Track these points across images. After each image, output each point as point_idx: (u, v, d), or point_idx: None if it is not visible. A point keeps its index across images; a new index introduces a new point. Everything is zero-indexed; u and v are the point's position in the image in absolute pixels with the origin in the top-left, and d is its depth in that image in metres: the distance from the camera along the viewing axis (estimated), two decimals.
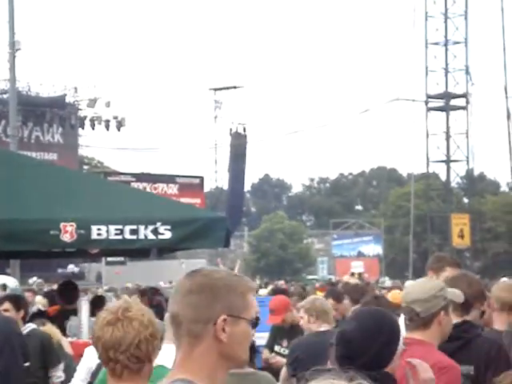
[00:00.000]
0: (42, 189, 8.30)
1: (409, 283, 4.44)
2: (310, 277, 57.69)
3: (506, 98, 45.90)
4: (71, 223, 7.61)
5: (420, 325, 4.24)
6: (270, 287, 22.16)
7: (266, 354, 8.69)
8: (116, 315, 3.34)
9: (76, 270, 42.93)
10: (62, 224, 7.58)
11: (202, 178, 55.41)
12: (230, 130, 56.59)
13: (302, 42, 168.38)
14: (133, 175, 50.69)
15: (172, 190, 51.24)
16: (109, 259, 25.97)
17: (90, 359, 5.50)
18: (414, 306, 4.24)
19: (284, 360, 7.59)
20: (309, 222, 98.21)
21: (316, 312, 7.10)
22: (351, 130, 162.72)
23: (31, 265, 37.17)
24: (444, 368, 4.05)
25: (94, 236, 7.75)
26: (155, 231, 7.99)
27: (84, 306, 8.11)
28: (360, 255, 62.61)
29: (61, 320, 8.70)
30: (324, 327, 7.03)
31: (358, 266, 52.55)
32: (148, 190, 43.25)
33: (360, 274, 37.78)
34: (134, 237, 7.93)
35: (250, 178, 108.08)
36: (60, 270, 43.71)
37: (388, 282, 37.97)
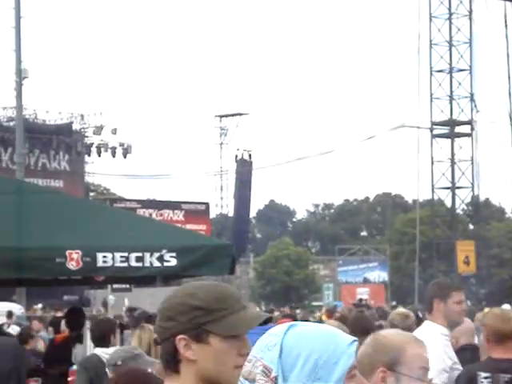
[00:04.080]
0: (48, 216, 8.34)
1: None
2: (316, 303, 57.51)
3: (511, 124, 45.92)
4: (77, 251, 7.64)
5: None
6: (276, 313, 22.10)
7: None
8: None
9: (73, 298, 42.84)
10: (67, 251, 7.60)
11: (207, 205, 55.44)
12: (236, 156, 56.70)
13: (308, 68, 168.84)
14: (139, 202, 50.76)
15: (178, 216, 51.26)
16: (115, 286, 25.96)
17: None
18: None
19: None
20: (314, 249, 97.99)
21: None
22: (356, 156, 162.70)
23: (37, 292, 37.17)
24: None
25: (100, 263, 7.77)
26: (161, 258, 8.01)
27: (89, 333, 8.14)
28: (366, 281, 62.43)
29: (68, 347, 8.72)
30: None
31: (363, 293, 52.43)
32: (154, 216, 43.28)
33: (365, 300, 37.65)
34: (140, 264, 7.95)
35: (256, 205, 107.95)
36: (66, 297, 43.64)
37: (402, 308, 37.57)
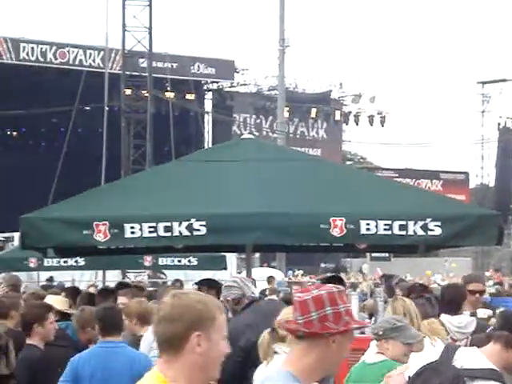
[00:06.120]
0: (312, 183, 8.40)
1: None
2: None
3: None
4: (341, 218, 7.62)
5: None
6: None
7: None
8: None
9: (329, 266, 43.39)
10: (331, 219, 7.60)
11: (467, 174, 54.25)
12: (499, 124, 54.93)
13: None
14: (396, 171, 50.51)
15: (436, 186, 50.60)
16: (373, 255, 26.02)
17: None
18: None
19: None
20: None
21: None
22: None
23: (295, 259, 38.01)
24: None
25: (363, 231, 7.70)
26: (425, 227, 7.83)
27: (354, 300, 8.12)
28: None
29: None
30: None
31: None
32: None
33: None
34: (403, 232, 7.81)
35: None
36: (323, 265, 44.36)
37: None
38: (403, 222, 7.81)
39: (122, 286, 10.43)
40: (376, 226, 7.74)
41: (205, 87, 47.31)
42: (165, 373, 2.89)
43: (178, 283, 16.10)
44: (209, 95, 48.07)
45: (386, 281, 14.45)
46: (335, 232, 7.63)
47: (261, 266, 30.92)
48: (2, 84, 37.63)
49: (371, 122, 49.62)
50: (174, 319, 2.90)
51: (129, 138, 33.97)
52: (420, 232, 7.84)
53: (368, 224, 7.73)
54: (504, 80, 56.68)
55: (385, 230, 7.77)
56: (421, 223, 7.82)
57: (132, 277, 23.24)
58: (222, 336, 2.97)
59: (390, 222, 7.78)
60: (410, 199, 8.55)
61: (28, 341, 6.75)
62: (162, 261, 16.00)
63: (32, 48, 40.66)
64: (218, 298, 8.69)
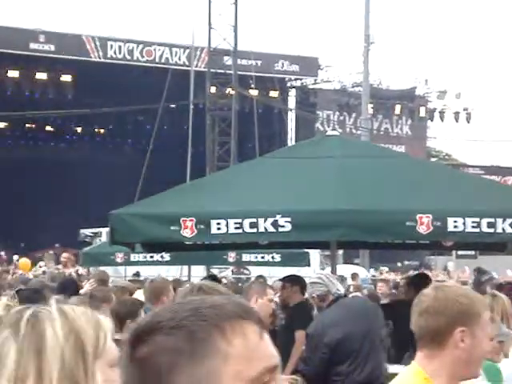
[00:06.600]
0: (398, 180, 8.34)
1: None
2: None
3: None
4: (427, 215, 7.54)
5: None
6: None
7: None
8: None
9: (413, 263, 43.04)
10: (418, 215, 7.52)
11: None
12: None
13: None
14: (482, 168, 49.78)
15: None
16: (459, 253, 25.70)
17: None
18: None
19: None
20: None
21: None
22: None
23: (379, 256, 37.76)
24: None
25: (451, 228, 7.61)
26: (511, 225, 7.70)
27: None
28: None
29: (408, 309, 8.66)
30: None
31: None
32: None
33: None
34: (492, 230, 7.69)
35: None
36: (406, 262, 43.99)
37: None
38: (491, 220, 7.69)
39: (211, 279, 10.52)
40: (464, 224, 7.63)
41: (288, 84, 47.35)
42: (425, 367, 2.84)
43: (262, 279, 16.16)
44: (292, 92, 48.11)
45: (477, 274, 14.23)
46: (422, 229, 7.55)
47: (345, 263, 30.80)
48: (90, 82, 38.33)
49: (457, 119, 48.98)
50: (438, 312, 2.83)
51: (213, 136, 34.23)
52: (509, 230, 7.71)
53: (455, 221, 7.63)
54: None
55: (473, 227, 7.66)
56: (509, 221, 7.70)
57: (216, 272, 23.41)
58: (486, 334, 2.88)
59: (477, 220, 7.67)
60: (498, 196, 8.42)
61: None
62: (246, 257, 16.07)
63: (119, 46, 41.31)
64: (303, 295, 8.70)
